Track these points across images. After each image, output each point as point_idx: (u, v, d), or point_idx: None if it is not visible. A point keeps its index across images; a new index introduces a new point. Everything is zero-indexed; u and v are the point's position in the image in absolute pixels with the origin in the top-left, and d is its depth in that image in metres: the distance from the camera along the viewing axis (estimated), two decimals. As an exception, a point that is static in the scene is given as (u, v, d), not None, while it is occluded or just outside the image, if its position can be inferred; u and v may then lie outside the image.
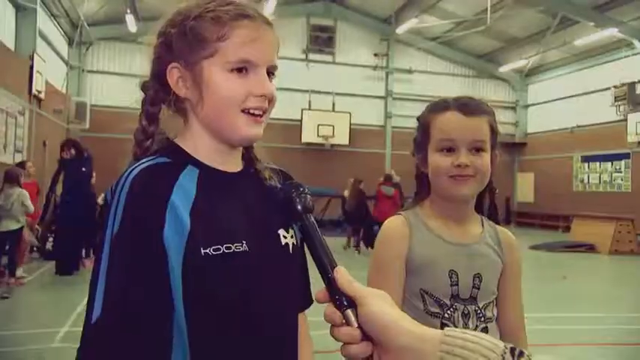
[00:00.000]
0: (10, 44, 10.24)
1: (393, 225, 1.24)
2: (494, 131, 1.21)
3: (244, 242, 0.87)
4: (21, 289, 6.43)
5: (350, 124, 17.59)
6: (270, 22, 0.91)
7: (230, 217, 0.88)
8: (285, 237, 0.95)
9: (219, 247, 0.84)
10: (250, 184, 0.96)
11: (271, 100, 0.91)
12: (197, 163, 0.91)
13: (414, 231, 1.22)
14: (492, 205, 1.35)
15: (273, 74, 0.92)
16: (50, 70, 12.16)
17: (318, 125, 17.27)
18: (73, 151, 7.45)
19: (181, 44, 0.89)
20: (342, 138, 17.48)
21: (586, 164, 17.07)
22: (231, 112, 0.88)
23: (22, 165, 7.88)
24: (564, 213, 16.19)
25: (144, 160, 0.89)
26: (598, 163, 16.60)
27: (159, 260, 0.81)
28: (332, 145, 17.64)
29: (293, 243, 0.96)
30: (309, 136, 17.29)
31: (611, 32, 14.19)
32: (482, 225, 1.28)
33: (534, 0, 14.38)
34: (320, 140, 17.38)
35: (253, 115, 0.89)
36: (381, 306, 0.64)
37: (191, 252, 0.82)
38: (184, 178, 0.87)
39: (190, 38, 0.88)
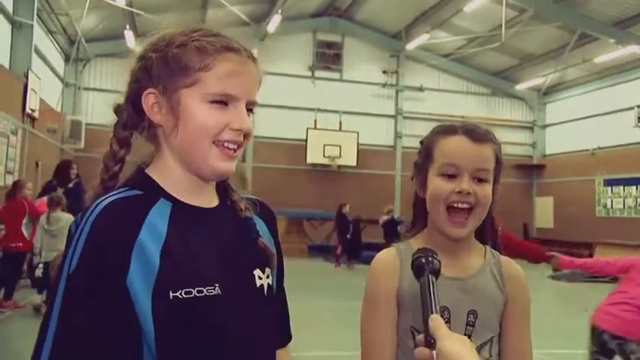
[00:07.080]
0: (5, 62, 10.40)
1: (383, 258, 1.24)
2: (499, 162, 1.21)
3: (217, 285, 0.86)
4: (9, 317, 6.41)
5: (358, 144, 17.65)
6: (254, 58, 0.94)
7: (204, 257, 0.88)
8: (260, 277, 0.95)
9: (191, 290, 0.83)
10: (227, 219, 0.97)
11: (247, 135, 0.92)
12: (169, 197, 0.91)
13: (405, 264, 1.19)
14: (494, 243, 1.31)
15: (251, 110, 0.94)
16: (45, 88, 12.31)
17: (325, 145, 17.31)
18: (75, 172, 7.53)
19: (161, 70, 0.90)
20: (349, 159, 17.52)
21: (609, 188, 16.97)
22: (205, 143, 0.89)
23: (19, 185, 7.39)
24: (586, 240, 16.00)
25: (114, 192, 0.90)
26: (622, 187, 16.49)
27: (116, 309, 0.80)
28: (339, 166, 17.67)
29: (268, 284, 0.96)
30: (314, 156, 17.28)
31: (633, 49, 14.27)
32: (485, 256, 1.26)
33: (551, 16, 14.51)
34: (326, 161, 17.40)
35: (227, 148, 0.90)
36: (459, 348, 0.82)
37: (158, 295, 0.81)
38: (155, 213, 0.87)
39: (172, 65, 0.90)
